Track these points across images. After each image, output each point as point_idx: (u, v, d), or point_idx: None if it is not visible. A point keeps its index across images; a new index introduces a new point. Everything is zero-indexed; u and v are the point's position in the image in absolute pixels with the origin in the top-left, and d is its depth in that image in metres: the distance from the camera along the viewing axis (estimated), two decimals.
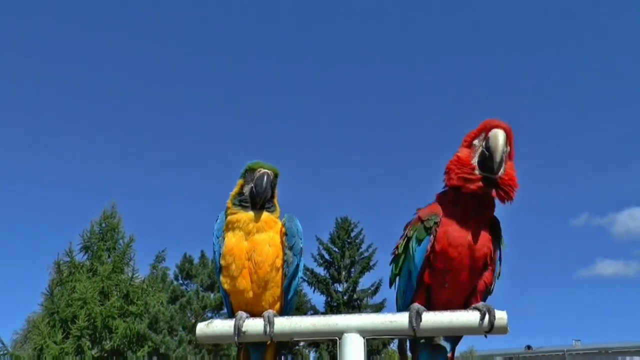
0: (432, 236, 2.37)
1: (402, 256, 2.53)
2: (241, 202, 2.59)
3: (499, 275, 2.50)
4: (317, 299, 28.38)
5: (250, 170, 2.62)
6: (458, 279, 2.38)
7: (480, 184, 2.32)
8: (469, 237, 2.34)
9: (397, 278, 2.59)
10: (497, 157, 2.30)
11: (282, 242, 2.60)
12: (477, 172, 2.34)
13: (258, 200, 2.56)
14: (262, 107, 47.47)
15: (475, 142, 2.41)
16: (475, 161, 2.37)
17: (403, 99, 48.74)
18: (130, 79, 47.85)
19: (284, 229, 2.62)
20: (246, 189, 2.61)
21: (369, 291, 27.91)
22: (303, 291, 27.29)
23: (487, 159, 2.33)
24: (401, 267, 2.54)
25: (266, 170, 2.59)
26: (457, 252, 2.34)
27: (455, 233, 2.35)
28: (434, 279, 2.39)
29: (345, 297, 27.64)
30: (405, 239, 2.50)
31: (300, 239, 2.63)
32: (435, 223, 2.38)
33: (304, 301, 27.68)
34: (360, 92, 48.74)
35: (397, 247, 2.56)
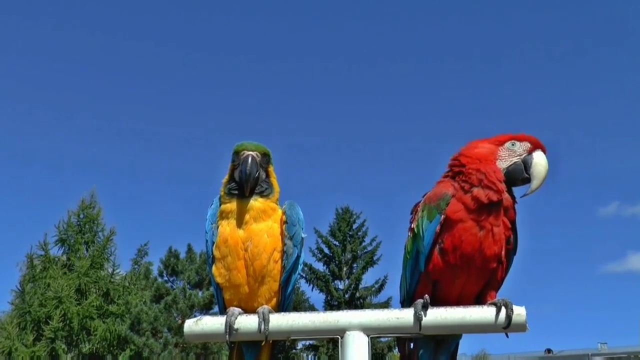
0: (442, 216, 2.44)
1: (414, 237, 2.57)
2: (231, 190, 2.58)
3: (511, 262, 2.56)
4: (316, 297, 28.46)
5: (236, 153, 2.60)
6: (468, 270, 2.42)
7: (501, 196, 2.40)
8: (481, 231, 2.40)
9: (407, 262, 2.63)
10: (537, 186, 2.45)
11: (281, 232, 2.60)
12: (503, 184, 2.42)
13: (245, 186, 2.53)
14: (255, 90, 47.42)
15: (511, 146, 2.50)
16: (504, 167, 2.47)
17: (410, 83, 48.62)
18: (112, 59, 47.59)
19: (284, 217, 2.61)
20: (236, 175, 2.59)
21: (373, 289, 27.93)
22: (301, 289, 27.39)
23: (519, 178, 2.48)
24: (412, 250, 2.58)
25: (250, 152, 2.55)
26: (466, 242, 2.39)
27: (466, 223, 2.40)
28: (444, 264, 2.44)
29: (346, 296, 27.67)
30: (419, 218, 2.54)
31: (302, 228, 2.63)
32: (447, 203, 2.45)
33: (302, 300, 27.76)
34: (366, 73, 48.62)
35: (412, 227, 2.59)
